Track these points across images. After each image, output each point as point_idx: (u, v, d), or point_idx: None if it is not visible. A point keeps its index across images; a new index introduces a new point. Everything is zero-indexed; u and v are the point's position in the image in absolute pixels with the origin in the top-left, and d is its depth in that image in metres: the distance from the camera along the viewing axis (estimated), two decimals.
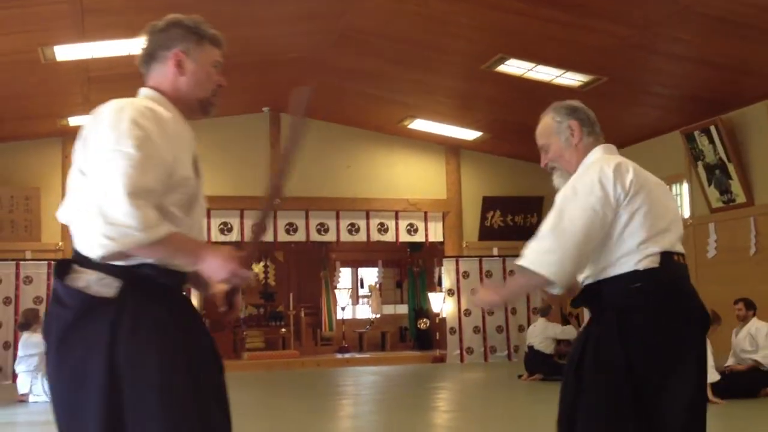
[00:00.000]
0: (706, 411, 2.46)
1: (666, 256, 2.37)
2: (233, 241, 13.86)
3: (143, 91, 2.20)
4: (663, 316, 2.34)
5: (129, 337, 1.93)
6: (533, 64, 9.83)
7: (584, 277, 2.47)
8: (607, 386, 2.33)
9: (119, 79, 10.20)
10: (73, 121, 11.82)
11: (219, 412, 2.04)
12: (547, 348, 10.76)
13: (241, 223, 13.57)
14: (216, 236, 13.47)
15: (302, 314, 16.62)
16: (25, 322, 9.49)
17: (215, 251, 2.03)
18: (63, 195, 9.45)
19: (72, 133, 12.28)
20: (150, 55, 2.21)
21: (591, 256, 2.37)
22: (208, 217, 13.31)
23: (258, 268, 17.49)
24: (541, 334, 10.82)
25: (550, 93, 10.42)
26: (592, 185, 2.35)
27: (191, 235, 2.10)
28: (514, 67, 9.97)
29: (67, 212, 2.12)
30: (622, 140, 12.36)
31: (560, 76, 10.06)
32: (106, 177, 1.91)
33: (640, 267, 2.34)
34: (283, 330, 15.81)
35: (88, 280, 2.00)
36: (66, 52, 8.87)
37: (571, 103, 2.62)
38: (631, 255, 2.35)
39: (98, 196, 1.91)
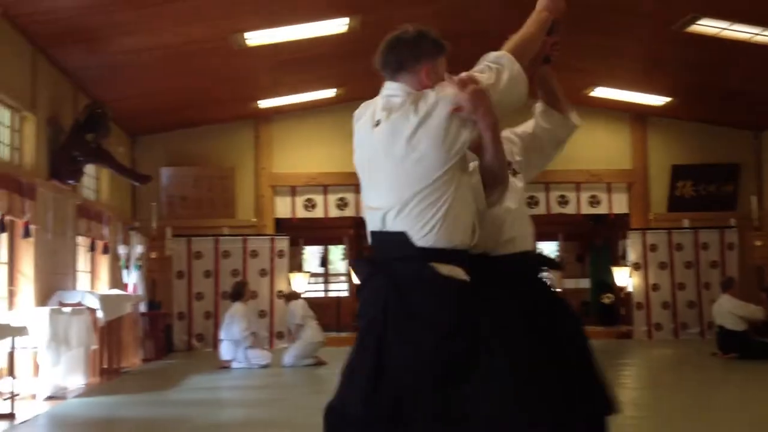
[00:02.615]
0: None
1: None
2: None
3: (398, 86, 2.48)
4: None
5: (495, 308, 2.41)
6: (729, 23, 9.14)
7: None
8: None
9: (307, 62, 10.61)
10: (263, 103, 12.42)
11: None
12: (737, 325, 9.85)
13: None
14: None
15: None
16: (236, 293, 10.15)
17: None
18: (255, 174, 9.95)
19: (263, 116, 12.94)
20: (400, 64, 2.48)
21: None
22: None
23: None
24: (726, 312, 9.97)
25: (748, 53, 9.65)
26: None
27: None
28: (707, 26, 9.33)
29: (392, 200, 2.41)
30: None
31: (760, 34, 9.28)
32: None
33: None
34: None
35: (448, 270, 2.36)
36: (257, 38, 9.32)
37: None
38: None
39: None
